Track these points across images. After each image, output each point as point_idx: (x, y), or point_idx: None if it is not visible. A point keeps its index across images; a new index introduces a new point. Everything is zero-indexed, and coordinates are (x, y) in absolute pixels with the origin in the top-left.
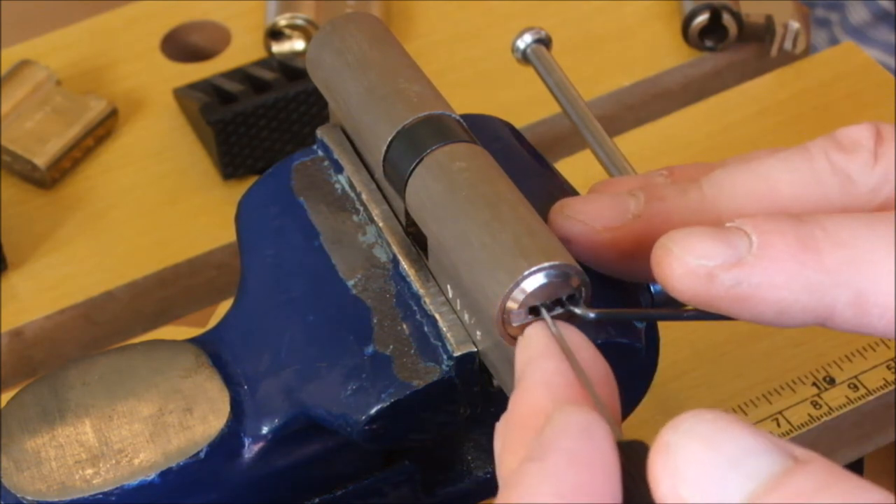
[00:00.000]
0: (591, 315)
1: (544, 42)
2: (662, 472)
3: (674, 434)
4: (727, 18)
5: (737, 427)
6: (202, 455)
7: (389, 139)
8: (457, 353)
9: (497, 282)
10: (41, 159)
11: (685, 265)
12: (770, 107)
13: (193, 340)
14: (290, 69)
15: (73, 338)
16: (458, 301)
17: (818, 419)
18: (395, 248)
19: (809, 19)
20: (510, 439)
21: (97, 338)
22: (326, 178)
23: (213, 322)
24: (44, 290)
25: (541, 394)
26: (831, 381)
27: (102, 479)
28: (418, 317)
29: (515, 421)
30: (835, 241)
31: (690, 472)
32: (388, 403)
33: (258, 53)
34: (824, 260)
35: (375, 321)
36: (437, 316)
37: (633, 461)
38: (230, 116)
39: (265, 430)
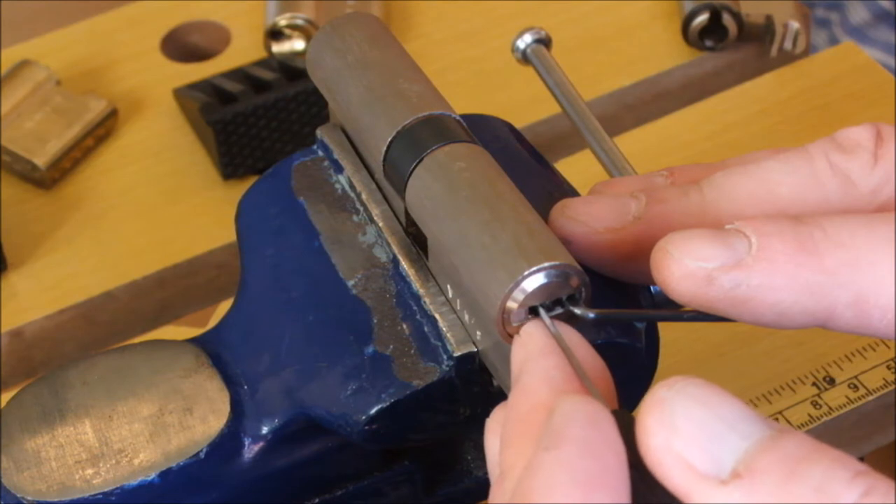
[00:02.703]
0: (591, 315)
1: (544, 42)
2: (657, 426)
3: (668, 391)
4: (727, 18)
5: (725, 394)
6: (202, 455)
7: (389, 139)
8: (457, 353)
9: (497, 282)
10: (41, 159)
11: (684, 267)
12: (770, 107)
13: (193, 340)
14: (290, 69)
15: (73, 338)
16: (458, 301)
17: (818, 419)
18: (395, 248)
19: (809, 19)
20: (511, 435)
21: (97, 338)
22: (326, 178)
23: (213, 322)
24: (44, 290)
25: (542, 390)
26: (831, 381)
27: (102, 479)
28: (418, 317)
29: (516, 417)
30: (834, 242)
31: (686, 427)
32: (387, 403)
33: (258, 53)
34: (824, 261)
35: (375, 321)
36: (437, 316)
37: (623, 430)
38: (230, 116)
39: (265, 430)
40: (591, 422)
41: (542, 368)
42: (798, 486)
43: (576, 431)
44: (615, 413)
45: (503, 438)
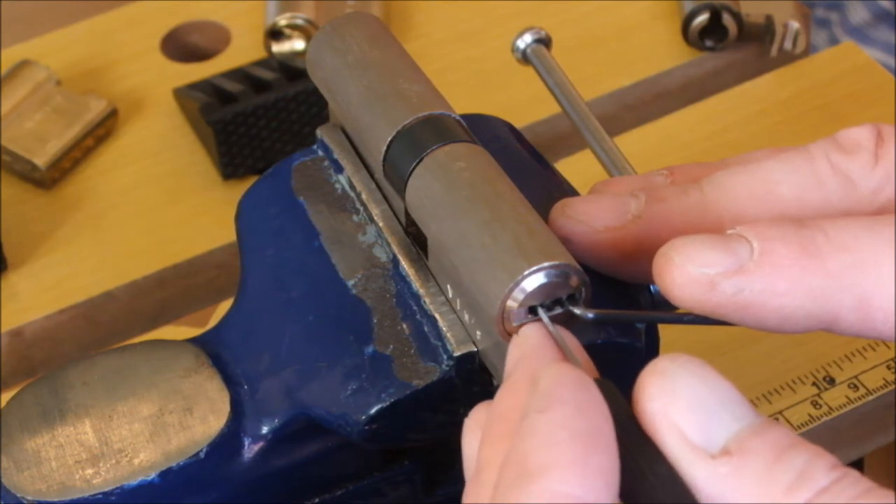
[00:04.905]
0: (590, 315)
1: (544, 42)
2: (657, 392)
3: (671, 363)
4: (727, 18)
5: (723, 378)
6: (202, 455)
7: (389, 139)
8: (457, 353)
9: (497, 281)
10: (41, 159)
11: (686, 274)
12: (770, 107)
13: (193, 340)
14: (290, 69)
15: (73, 338)
16: (458, 301)
17: (818, 419)
18: (395, 248)
19: (809, 19)
20: (493, 431)
21: (97, 338)
22: (326, 178)
23: (213, 322)
24: (44, 290)
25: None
26: (831, 381)
27: (102, 479)
28: (418, 317)
29: (500, 414)
30: (837, 246)
31: (685, 398)
32: (387, 403)
33: (258, 53)
34: (827, 264)
35: (375, 321)
36: (437, 316)
37: (609, 399)
38: (230, 116)
39: (265, 430)
40: (579, 384)
41: (533, 369)
42: (783, 470)
43: (566, 393)
44: (596, 381)
45: (484, 433)
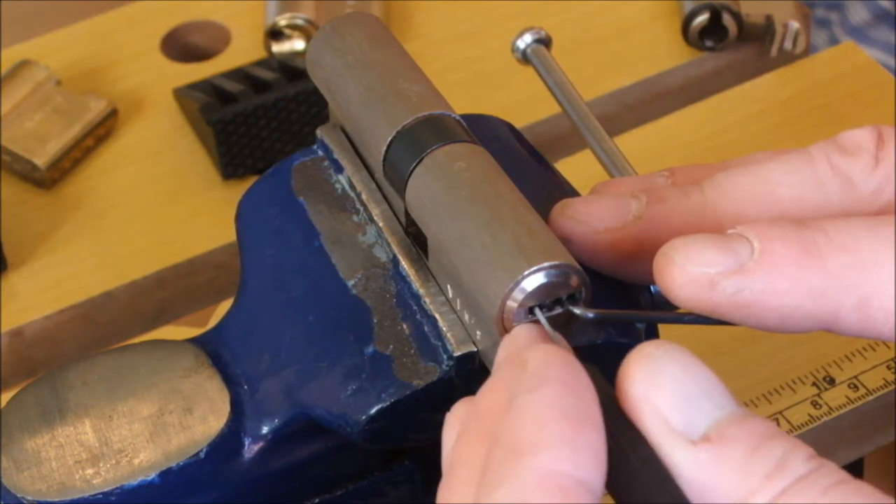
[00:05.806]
0: (590, 315)
1: (544, 42)
2: (641, 375)
3: (656, 349)
4: (727, 18)
5: (707, 368)
6: (202, 455)
7: (389, 139)
8: (457, 353)
9: (497, 281)
10: (41, 159)
11: (687, 273)
12: (770, 107)
13: (193, 340)
14: (290, 69)
15: (73, 338)
16: (458, 301)
17: (818, 419)
18: (395, 248)
19: (809, 19)
20: (473, 427)
21: (97, 338)
22: (326, 178)
23: (213, 322)
24: (44, 290)
25: None
26: (831, 381)
27: (102, 479)
28: (418, 317)
29: (482, 411)
30: (837, 246)
31: (668, 383)
32: (387, 403)
33: (258, 53)
34: (827, 264)
35: (375, 321)
36: (437, 316)
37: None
38: (230, 116)
39: (265, 430)
40: (567, 364)
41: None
42: (762, 458)
43: (555, 372)
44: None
45: (461, 431)
